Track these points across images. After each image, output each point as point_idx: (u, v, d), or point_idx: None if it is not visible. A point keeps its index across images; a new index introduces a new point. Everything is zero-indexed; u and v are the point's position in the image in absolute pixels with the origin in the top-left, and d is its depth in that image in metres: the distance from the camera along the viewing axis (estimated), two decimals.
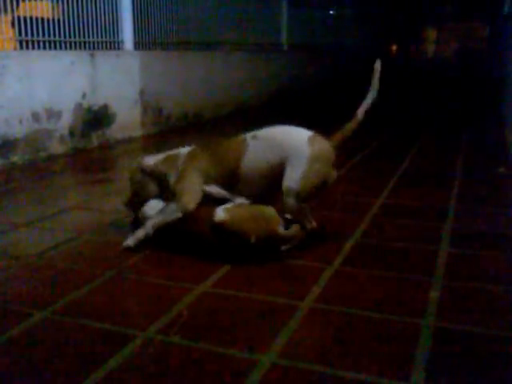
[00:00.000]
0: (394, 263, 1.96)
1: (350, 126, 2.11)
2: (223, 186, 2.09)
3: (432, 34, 28.23)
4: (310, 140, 2.02)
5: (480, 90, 10.26)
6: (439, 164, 3.75)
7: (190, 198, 2.03)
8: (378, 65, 2.15)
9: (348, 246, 2.12)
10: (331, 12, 11.19)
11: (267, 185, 2.08)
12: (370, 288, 1.75)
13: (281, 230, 1.96)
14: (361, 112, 2.13)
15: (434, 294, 1.70)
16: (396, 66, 17.61)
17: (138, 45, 4.97)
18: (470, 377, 1.29)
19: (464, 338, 1.45)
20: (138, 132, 4.89)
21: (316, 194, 2.05)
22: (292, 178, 1.99)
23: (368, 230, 2.32)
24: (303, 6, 9.10)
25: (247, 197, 2.08)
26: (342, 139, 2.09)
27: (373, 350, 1.38)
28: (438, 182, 3.19)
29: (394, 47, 20.83)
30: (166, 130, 5.24)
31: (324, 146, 2.04)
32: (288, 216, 2.07)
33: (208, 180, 2.09)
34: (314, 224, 2.12)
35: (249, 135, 2.15)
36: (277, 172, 2.02)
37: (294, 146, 2.01)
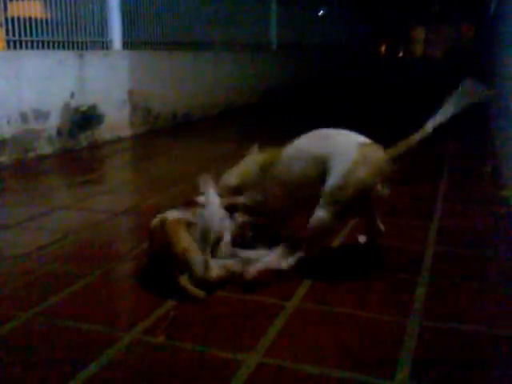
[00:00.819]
0: (380, 261, 1.98)
1: (415, 137, 1.84)
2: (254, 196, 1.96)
3: (420, 34, 28.42)
4: (360, 145, 1.81)
5: None
6: (426, 163, 3.76)
7: None
8: (469, 87, 1.81)
9: (334, 244, 2.13)
10: (321, 12, 11.24)
11: (305, 178, 1.85)
12: (355, 286, 1.76)
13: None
14: (430, 125, 1.83)
15: (419, 293, 1.71)
16: (384, 66, 17.70)
17: (127, 44, 4.96)
18: (455, 375, 1.30)
19: (449, 336, 1.46)
20: (126, 132, 4.89)
21: (354, 206, 1.77)
22: (331, 180, 1.75)
23: (354, 228, 2.32)
24: (292, 5, 9.14)
25: (273, 212, 1.93)
26: (404, 151, 1.85)
27: (358, 349, 1.39)
28: (424, 182, 3.21)
29: (383, 47, 20.96)
30: (155, 130, 5.25)
31: (375, 153, 1.80)
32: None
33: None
34: (317, 254, 1.91)
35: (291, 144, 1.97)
36: (315, 171, 1.80)
37: (339, 149, 1.79)
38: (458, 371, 1.31)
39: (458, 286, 1.78)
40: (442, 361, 1.35)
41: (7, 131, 3.68)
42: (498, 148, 4.02)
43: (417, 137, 1.83)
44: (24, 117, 3.81)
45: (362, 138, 1.86)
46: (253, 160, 2.05)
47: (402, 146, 1.84)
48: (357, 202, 1.75)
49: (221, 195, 1.93)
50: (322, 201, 1.76)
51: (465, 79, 1.82)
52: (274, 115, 6.73)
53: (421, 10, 25.48)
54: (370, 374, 1.28)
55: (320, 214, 1.76)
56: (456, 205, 2.71)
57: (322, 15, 11.18)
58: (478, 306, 1.65)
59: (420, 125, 1.87)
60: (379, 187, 1.76)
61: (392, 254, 2.06)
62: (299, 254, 1.85)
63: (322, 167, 1.78)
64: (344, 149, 1.78)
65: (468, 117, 6.41)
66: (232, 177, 2.03)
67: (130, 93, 4.91)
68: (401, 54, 24.44)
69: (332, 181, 1.74)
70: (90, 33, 4.54)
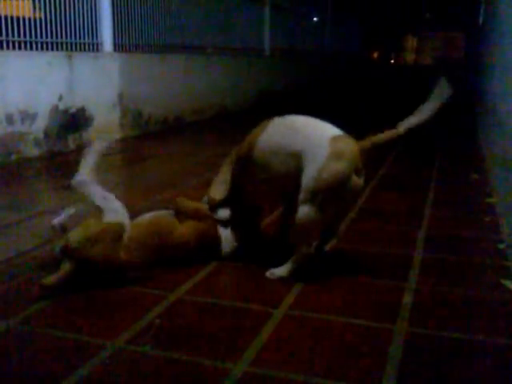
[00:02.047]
0: (367, 267, 1.97)
1: (385, 135, 1.85)
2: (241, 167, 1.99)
3: (412, 42, 28.62)
4: (333, 138, 1.80)
5: (457, 100, 10.37)
6: (414, 170, 3.79)
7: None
8: (442, 89, 1.84)
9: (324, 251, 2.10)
10: (314, 19, 11.23)
11: (283, 173, 1.86)
12: (342, 293, 1.75)
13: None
14: (403, 126, 1.84)
15: (406, 300, 1.70)
16: (376, 73, 17.78)
17: (118, 47, 4.88)
18: (440, 382, 1.29)
19: (436, 344, 1.45)
20: (117, 135, 4.79)
21: (334, 200, 1.77)
22: (307, 176, 1.76)
23: (344, 233, 2.32)
24: (286, 11, 9.11)
25: (264, 179, 1.93)
26: (372, 145, 1.84)
27: (344, 357, 1.37)
28: (412, 188, 3.23)
29: (376, 54, 21.06)
30: (146, 133, 5.16)
31: (348, 145, 1.79)
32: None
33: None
34: (312, 250, 1.91)
35: (278, 117, 2.00)
36: (292, 165, 1.82)
37: (312, 143, 1.79)
38: (444, 379, 1.30)
39: (445, 292, 1.77)
40: (428, 368, 1.33)
41: None
42: (485, 155, 4.03)
43: (387, 134, 1.87)
44: (10, 119, 3.70)
45: (333, 130, 1.88)
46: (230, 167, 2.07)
47: (369, 141, 1.86)
48: (337, 193, 1.77)
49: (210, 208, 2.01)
50: (302, 196, 1.77)
51: (439, 80, 1.86)
52: (265, 119, 6.66)
53: (412, 18, 25.65)
54: (356, 383, 1.26)
55: (305, 209, 1.77)
56: (443, 211, 2.72)
57: (316, 22, 11.18)
58: (465, 313, 1.64)
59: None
60: (355, 178, 1.80)
61: (379, 260, 2.05)
62: (292, 265, 1.85)
63: (297, 163, 1.80)
64: (317, 143, 1.79)
65: (456, 123, 6.41)
66: (216, 190, 2.04)
67: (121, 95, 4.82)
68: (392, 61, 24.57)
69: (308, 175, 1.76)
70: (80, 34, 4.45)
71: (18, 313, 1.58)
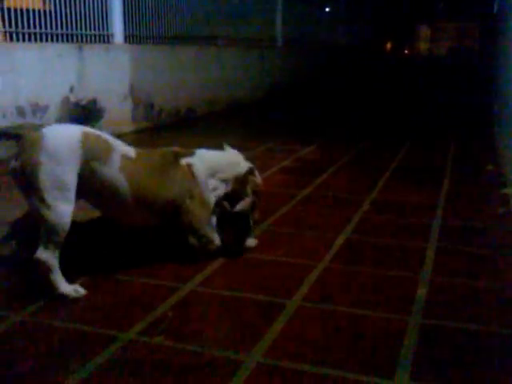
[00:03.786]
0: (382, 259, 1.96)
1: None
2: None
3: (426, 32, 28.27)
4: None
5: (470, 89, 10.19)
6: (429, 161, 3.72)
7: None
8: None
9: (338, 242, 2.11)
10: (327, 9, 11.08)
11: None
12: (357, 285, 1.74)
13: None
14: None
15: (421, 291, 1.67)
16: (389, 64, 17.57)
17: (129, 38, 4.82)
18: (456, 374, 1.26)
19: (450, 335, 1.43)
20: (128, 127, 4.74)
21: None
22: None
23: (358, 226, 2.31)
24: (298, 2, 8.98)
25: None
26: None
27: (358, 348, 1.36)
28: (427, 180, 3.18)
29: (389, 45, 20.79)
30: (158, 125, 5.11)
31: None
32: None
33: None
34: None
35: None
36: None
37: None
38: (458, 370, 1.28)
39: (460, 284, 1.75)
40: (442, 360, 1.32)
41: (2, 125, 3.53)
42: (500, 147, 3.93)
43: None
44: (21, 111, 3.66)
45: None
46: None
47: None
48: None
49: None
50: None
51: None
52: (278, 111, 6.59)
53: (426, 7, 25.31)
54: (370, 374, 1.25)
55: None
56: (458, 202, 2.68)
57: (328, 12, 11.03)
58: (479, 304, 1.62)
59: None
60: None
61: (394, 252, 2.04)
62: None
63: None
64: None
65: (471, 116, 6.30)
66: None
67: (132, 87, 4.77)
68: (406, 52, 24.27)
69: None
70: (90, 26, 4.40)
71: (31, 304, 1.57)
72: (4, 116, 3.55)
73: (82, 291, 1.65)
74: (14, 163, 1.63)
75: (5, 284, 1.73)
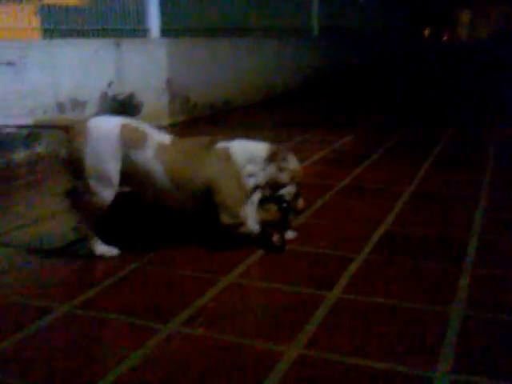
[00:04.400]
0: (423, 251, 1.92)
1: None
2: None
3: (465, 17, 27.37)
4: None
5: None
6: (470, 150, 3.62)
7: None
8: None
9: (378, 234, 2.08)
10: None
11: None
12: (399, 277, 1.71)
13: None
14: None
15: (463, 282, 1.66)
16: (428, 51, 17.11)
17: (165, 32, 4.84)
18: (499, 366, 1.24)
19: (493, 327, 1.40)
20: (165, 121, 4.78)
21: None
22: None
23: (398, 217, 2.27)
24: None
25: None
26: None
27: (400, 340, 1.36)
28: (468, 168, 3.10)
29: (427, 31, 20.23)
30: (194, 118, 5.13)
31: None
32: None
33: None
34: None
35: None
36: None
37: None
38: (502, 362, 1.24)
39: (502, 275, 1.71)
40: (485, 352, 1.30)
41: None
42: None
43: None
44: (61, 107, 3.74)
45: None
46: None
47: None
48: None
49: None
50: None
51: None
52: (315, 102, 6.52)
53: None
54: (412, 366, 1.25)
55: None
56: (500, 193, 2.60)
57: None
58: None
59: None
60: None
61: (435, 242, 1.99)
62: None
63: None
64: None
65: None
66: None
67: (169, 81, 4.80)
68: (445, 38, 23.58)
69: None
70: (127, 20, 4.44)
71: (76, 297, 1.60)
72: (45, 112, 3.63)
73: (115, 251, 1.87)
74: (62, 152, 1.86)
75: (53, 276, 1.77)
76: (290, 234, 2.01)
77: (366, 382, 1.20)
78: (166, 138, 1.92)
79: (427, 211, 2.34)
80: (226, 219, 1.89)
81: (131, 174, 1.84)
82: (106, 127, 1.83)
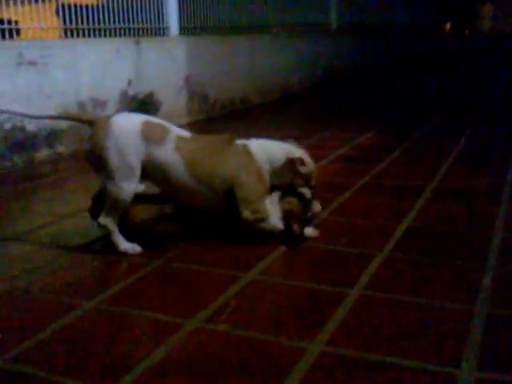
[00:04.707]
0: (445, 248, 1.90)
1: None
2: None
3: (488, 9, 26.86)
4: None
5: None
6: (492, 146, 3.56)
7: None
8: None
9: (399, 231, 2.05)
10: None
11: None
12: (421, 274, 1.70)
13: None
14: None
15: (486, 280, 1.63)
16: (449, 47, 16.85)
17: (183, 30, 4.86)
18: None
19: None
20: (184, 119, 4.79)
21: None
22: None
23: (420, 214, 2.24)
24: None
25: None
26: None
27: (423, 337, 1.35)
28: (491, 165, 3.06)
29: (448, 25, 19.91)
30: (212, 116, 5.13)
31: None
32: None
33: None
34: None
35: None
36: None
37: None
38: None
39: None
40: (510, 350, 1.28)
41: (65, 121, 3.66)
42: None
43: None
44: (82, 106, 3.78)
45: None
46: None
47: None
48: None
49: None
50: None
51: None
52: (335, 98, 6.47)
53: None
54: (436, 363, 1.24)
55: None
56: None
57: None
58: None
59: None
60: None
61: (457, 240, 1.97)
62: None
63: None
64: None
65: None
66: None
67: (187, 79, 4.81)
68: (467, 32, 23.18)
69: None
70: (146, 19, 4.46)
71: (101, 293, 1.62)
72: (66, 111, 3.66)
73: (138, 249, 1.90)
74: (87, 145, 1.90)
75: (78, 273, 1.80)
76: (310, 231, 2.00)
77: (389, 379, 1.19)
78: (185, 133, 1.96)
79: (450, 208, 2.31)
80: (247, 214, 1.91)
81: (152, 169, 1.88)
82: (128, 124, 1.87)
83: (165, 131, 1.89)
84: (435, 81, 7.99)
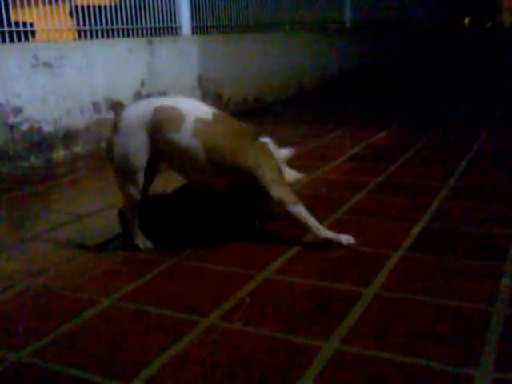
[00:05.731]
0: (462, 248, 1.86)
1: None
2: None
3: (509, 3, 26.41)
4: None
5: None
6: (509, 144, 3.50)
7: None
8: None
9: (415, 231, 2.02)
10: None
11: None
12: (436, 274, 1.67)
13: None
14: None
15: (506, 282, 1.60)
16: (468, 43, 16.62)
17: (196, 29, 4.86)
18: None
19: None
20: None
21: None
22: None
23: (437, 213, 2.21)
24: None
25: None
26: None
27: (442, 337, 1.33)
28: (506, 163, 2.99)
29: (467, 20, 19.60)
30: None
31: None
32: None
33: None
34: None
35: None
36: None
37: None
38: None
39: None
40: None
41: (80, 121, 3.69)
42: None
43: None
44: (96, 107, 3.80)
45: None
46: None
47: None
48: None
49: None
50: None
51: None
52: (349, 97, 6.42)
53: None
54: (454, 363, 1.22)
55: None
56: None
57: None
58: None
59: None
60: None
61: (475, 240, 1.93)
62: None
63: None
64: None
65: None
66: None
67: (200, 78, 4.81)
68: (488, 26, 22.79)
69: None
70: (159, 19, 4.47)
71: (118, 290, 1.63)
72: (82, 112, 3.70)
73: (150, 245, 1.93)
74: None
75: (96, 270, 1.81)
76: (346, 239, 1.89)
77: (406, 379, 1.18)
78: (207, 113, 1.86)
79: (467, 207, 2.27)
80: (277, 193, 1.84)
81: (170, 155, 1.84)
82: (138, 115, 1.82)
83: (181, 115, 1.80)
84: (451, 77, 7.89)
